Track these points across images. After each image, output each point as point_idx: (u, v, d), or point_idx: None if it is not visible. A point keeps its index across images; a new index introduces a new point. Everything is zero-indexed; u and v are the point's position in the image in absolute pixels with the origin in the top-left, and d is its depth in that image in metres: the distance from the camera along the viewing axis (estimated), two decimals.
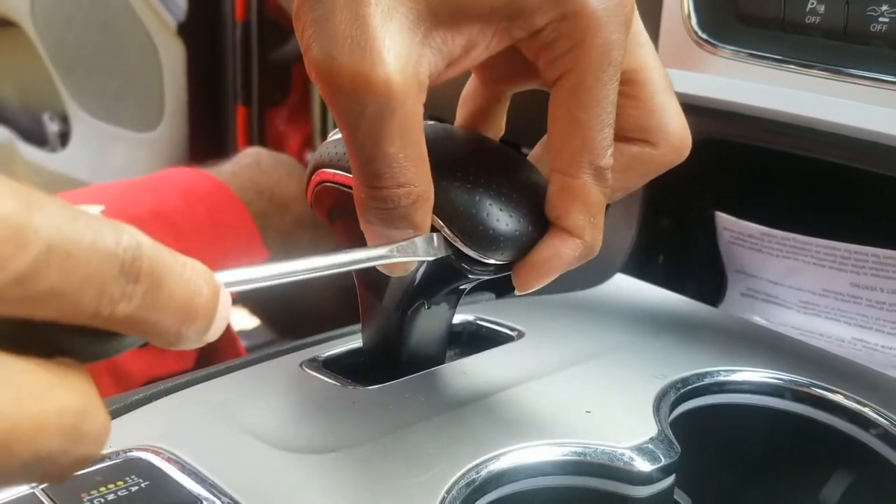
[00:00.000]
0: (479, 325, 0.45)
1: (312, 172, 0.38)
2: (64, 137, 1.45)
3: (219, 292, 0.22)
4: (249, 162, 0.78)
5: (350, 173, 0.35)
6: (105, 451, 0.32)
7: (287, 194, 0.76)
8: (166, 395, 0.37)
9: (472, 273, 0.34)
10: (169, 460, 0.32)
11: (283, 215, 0.75)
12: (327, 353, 0.41)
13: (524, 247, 0.33)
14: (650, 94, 0.33)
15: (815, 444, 0.39)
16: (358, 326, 0.43)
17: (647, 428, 0.35)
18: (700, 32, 0.48)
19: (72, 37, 1.36)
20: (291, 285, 0.28)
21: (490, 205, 0.33)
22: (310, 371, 0.39)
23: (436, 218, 0.32)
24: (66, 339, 0.20)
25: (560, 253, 0.32)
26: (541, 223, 0.33)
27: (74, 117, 1.41)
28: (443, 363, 0.40)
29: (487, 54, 0.30)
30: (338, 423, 0.35)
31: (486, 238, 0.33)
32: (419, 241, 0.31)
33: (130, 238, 0.20)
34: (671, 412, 0.38)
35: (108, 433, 0.21)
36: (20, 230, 0.18)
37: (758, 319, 0.53)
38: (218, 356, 0.68)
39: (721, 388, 0.39)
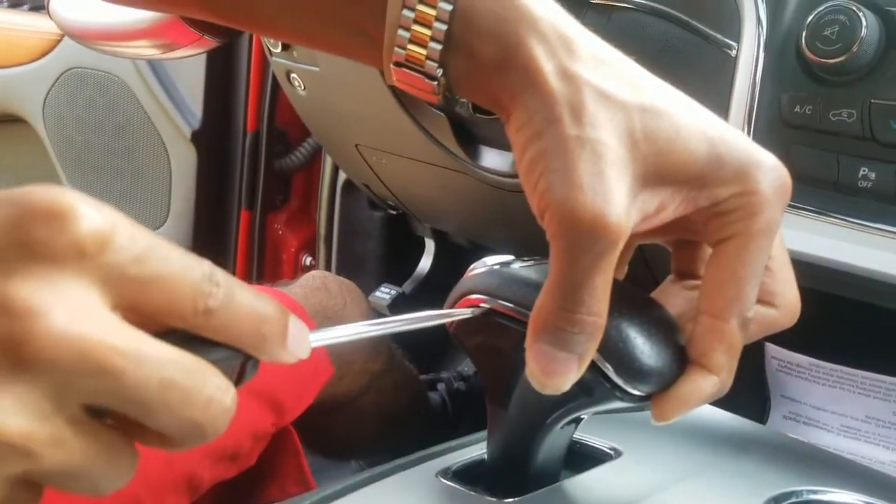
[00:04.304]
0: (574, 441, 0.50)
1: (458, 299, 0.43)
2: None
3: (285, 311, 0.30)
4: (318, 285, 0.81)
5: (510, 303, 0.40)
6: None
7: (350, 319, 0.80)
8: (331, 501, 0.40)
9: (620, 400, 0.39)
10: None
11: None
12: (456, 464, 0.45)
13: (667, 381, 0.38)
14: (779, 266, 0.39)
15: None
16: (462, 440, 0.48)
17: None
18: None
19: (81, 137, 1.40)
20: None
21: (641, 342, 0.38)
22: (446, 481, 0.44)
23: None
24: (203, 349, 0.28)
25: (700, 388, 0.38)
26: (680, 360, 0.39)
27: None
28: (558, 480, 0.45)
29: (672, 217, 0.36)
30: None
31: (637, 371, 0.38)
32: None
33: (206, 262, 0.28)
34: None
35: (234, 401, 0.29)
36: (135, 232, 0.27)
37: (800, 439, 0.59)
38: (282, 462, 0.71)
39: None
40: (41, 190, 0.26)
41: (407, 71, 0.37)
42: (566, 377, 0.35)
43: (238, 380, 0.30)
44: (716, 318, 0.37)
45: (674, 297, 0.42)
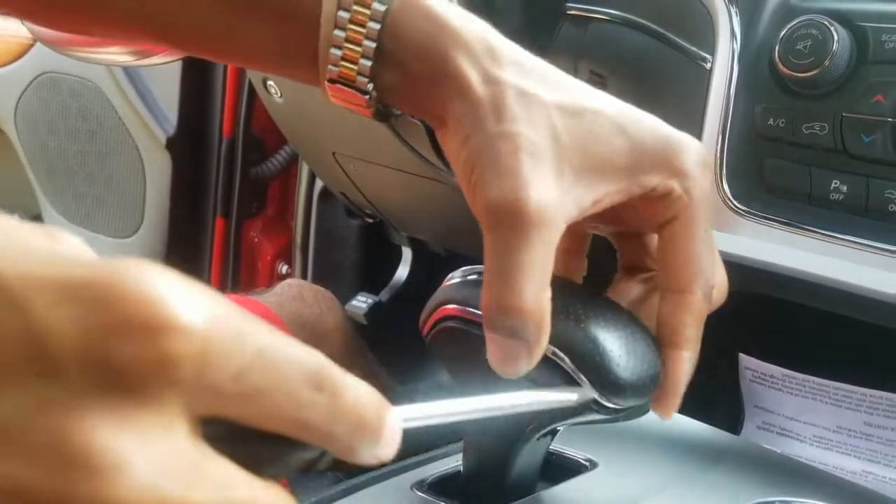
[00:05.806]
0: (550, 452, 0.50)
1: (435, 309, 0.43)
2: None
3: (385, 411, 0.26)
4: (293, 294, 0.82)
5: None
6: None
7: (326, 327, 0.80)
8: None
9: (596, 413, 0.39)
10: None
11: (320, 347, 0.78)
12: (432, 476, 0.45)
13: (643, 394, 0.39)
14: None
15: None
16: (438, 451, 0.48)
17: None
18: (733, 200, 0.56)
19: (54, 142, 1.38)
20: None
21: (618, 355, 0.38)
22: (421, 494, 0.43)
23: (568, 361, 0.38)
24: (268, 450, 0.24)
25: (685, 371, 0.39)
26: (656, 374, 0.39)
27: (49, 220, 1.42)
28: (534, 492, 0.45)
29: (608, 205, 0.38)
30: None
31: (613, 384, 0.38)
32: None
33: (317, 355, 0.24)
34: None
35: None
36: (241, 334, 0.22)
37: (773, 450, 0.60)
38: None
39: None
40: (127, 282, 0.20)
41: (341, 87, 0.39)
42: (520, 363, 0.36)
43: (306, 470, 0.25)
44: (682, 293, 0.39)
45: (630, 291, 0.43)
